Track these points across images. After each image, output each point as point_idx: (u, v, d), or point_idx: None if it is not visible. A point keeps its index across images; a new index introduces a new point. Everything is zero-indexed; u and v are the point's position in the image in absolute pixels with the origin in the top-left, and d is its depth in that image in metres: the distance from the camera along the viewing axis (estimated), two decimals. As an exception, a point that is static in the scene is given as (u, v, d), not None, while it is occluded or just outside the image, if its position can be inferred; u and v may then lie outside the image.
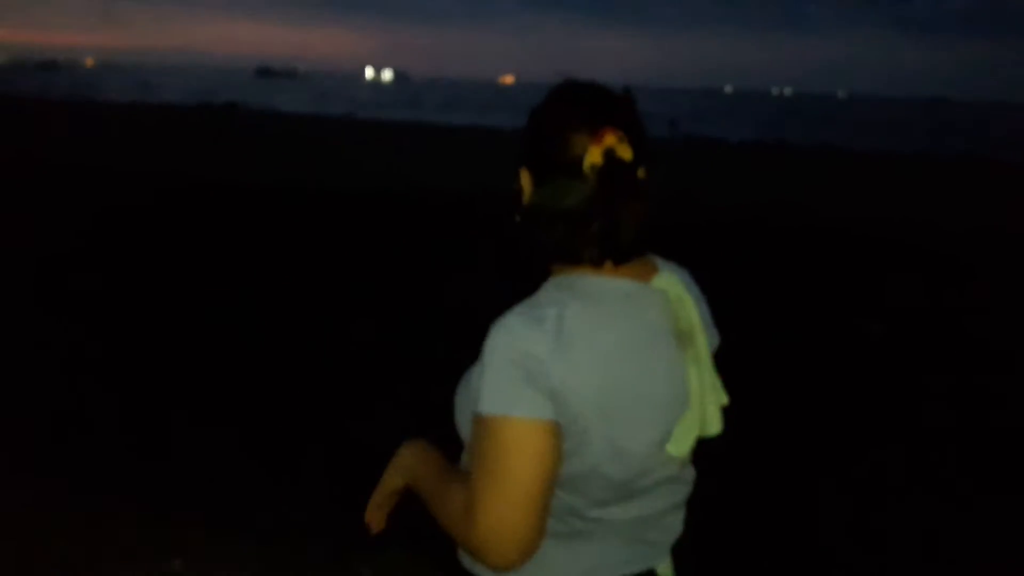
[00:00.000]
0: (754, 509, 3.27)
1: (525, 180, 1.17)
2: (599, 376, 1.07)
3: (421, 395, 3.96)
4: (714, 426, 1.17)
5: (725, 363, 1.24)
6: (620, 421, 1.09)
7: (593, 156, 1.09)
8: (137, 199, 9.57)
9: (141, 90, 56.78)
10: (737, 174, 16.27)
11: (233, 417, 3.92)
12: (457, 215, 9.33)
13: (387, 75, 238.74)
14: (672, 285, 1.15)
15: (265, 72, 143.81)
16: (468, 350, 1.22)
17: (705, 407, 1.16)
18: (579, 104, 1.14)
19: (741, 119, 54.75)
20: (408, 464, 1.28)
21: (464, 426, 1.19)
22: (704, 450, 1.20)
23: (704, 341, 1.17)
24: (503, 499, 1.03)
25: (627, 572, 1.19)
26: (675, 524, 1.25)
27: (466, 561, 1.23)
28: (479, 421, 1.06)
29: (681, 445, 1.15)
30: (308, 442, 3.69)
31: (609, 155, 1.09)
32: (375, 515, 1.35)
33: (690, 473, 1.23)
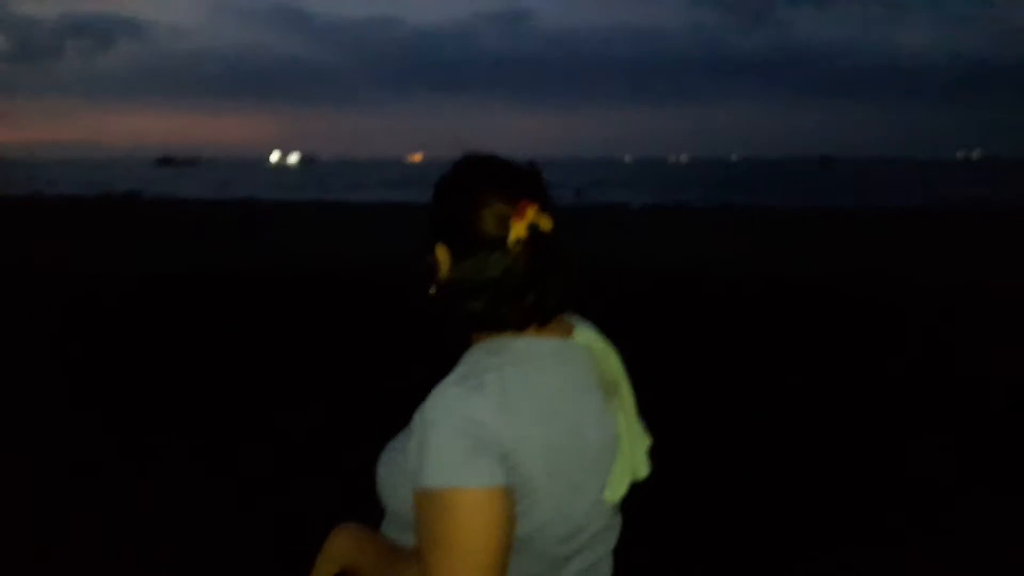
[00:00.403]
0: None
1: (442, 254, 1.18)
2: (544, 435, 1.08)
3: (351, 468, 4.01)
4: (643, 469, 1.24)
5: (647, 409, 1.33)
6: (563, 477, 1.11)
7: (517, 231, 1.12)
8: (39, 296, 9.31)
9: (37, 183, 54.95)
10: (639, 236, 16.94)
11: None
12: (362, 288, 9.41)
13: (293, 158, 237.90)
14: (594, 340, 1.22)
15: (166, 161, 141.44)
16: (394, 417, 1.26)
17: (634, 452, 1.22)
18: (492, 179, 1.16)
19: (641, 185, 56.80)
20: (343, 550, 1.26)
21: (392, 498, 1.20)
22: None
23: (628, 389, 1.24)
24: (457, 571, 1.01)
25: None
26: (607, 571, 1.27)
27: None
28: (426, 496, 1.03)
29: (616, 491, 1.20)
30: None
31: (533, 229, 1.12)
32: None
33: (619, 520, 1.26)
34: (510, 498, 1.05)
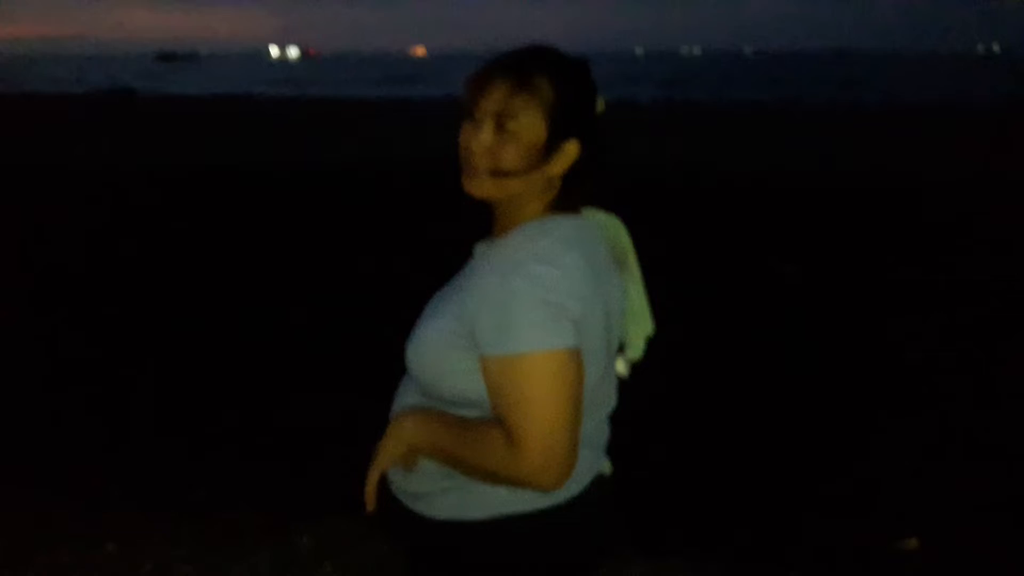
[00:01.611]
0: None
1: (571, 147, 1.24)
2: (600, 304, 1.24)
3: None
4: (650, 328, 1.43)
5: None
6: (608, 340, 1.29)
7: (600, 108, 1.29)
8: (43, 193, 9.23)
9: (34, 80, 53.91)
10: (648, 132, 16.60)
11: (163, 401, 3.92)
12: (366, 187, 9.29)
13: (293, 52, 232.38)
14: (602, 216, 1.38)
15: (166, 57, 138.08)
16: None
17: (644, 316, 1.41)
18: (587, 68, 1.27)
19: (651, 80, 55.40)
20: (413, 428, 1.28)
21: (433, 370, 1.25)
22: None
23: (635, 260, 1.39)
24: (551, 425, 1.14)
25: (590, 476, 1.34)
26: (608, 428, 1.42)
27: (401, 487, 1.33)
28: (510, 360, 1.14)
29: (636, 350, 1.40)
30: (236, 421, 3.73)
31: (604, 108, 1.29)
32: (370, 494, 1.33)
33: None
34: (581, 358, 1.18)
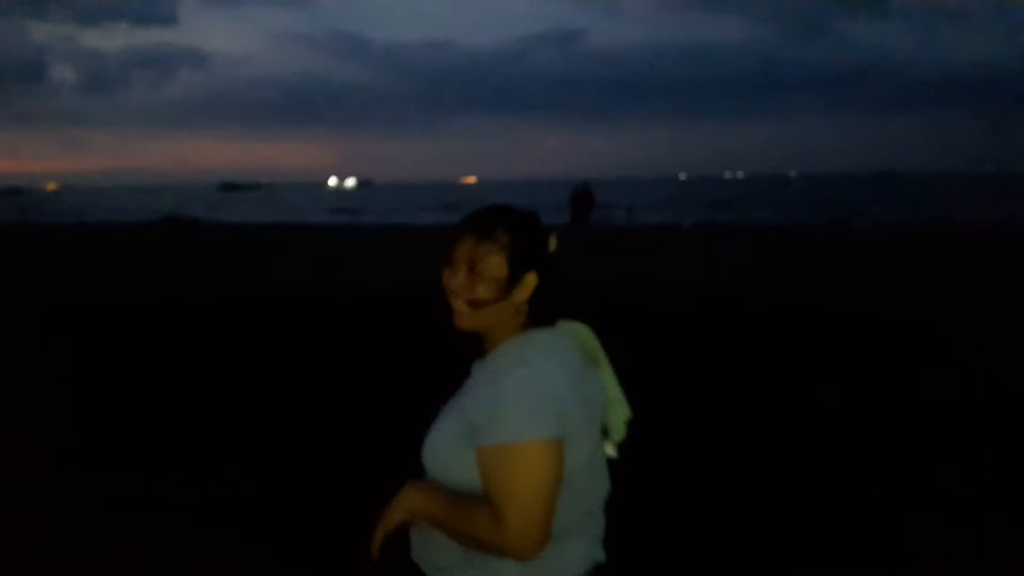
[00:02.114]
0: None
1: (531, 279, 1.53)
2: (577, 396, 1.47)
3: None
4: (627, 414, 1.66)
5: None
6: (589, 426, 1.51)
7: (552, 246, 1.58)
8: (107, 312, 9.62)
9: (105, 210, 56.95)
10: (687, 255, 16.75)
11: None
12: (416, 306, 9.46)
13: (350, 183, 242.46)
14: (574, 325, 1.63)
15: (229, 187, 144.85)
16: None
17: (621, 406, 1.64)
18: (536, 218, 1.58)
19: (694, 203, 56.25)
20: (416, 499, 1.51)
21: (444, 466, 1.50)
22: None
23: (605, 358, 1.64)
24: (528, 504, 1.35)
25: (587, 565, 1.53)
26: (602, 518, 1.61)
27: (424, 558, 1.56)
28: (497, 450, 1.37)
29: (619, 433, 1.64)
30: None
31: (557, 245, 1.59)
32: (378, 546, 1.55)
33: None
34: (562, 448, 1.40)
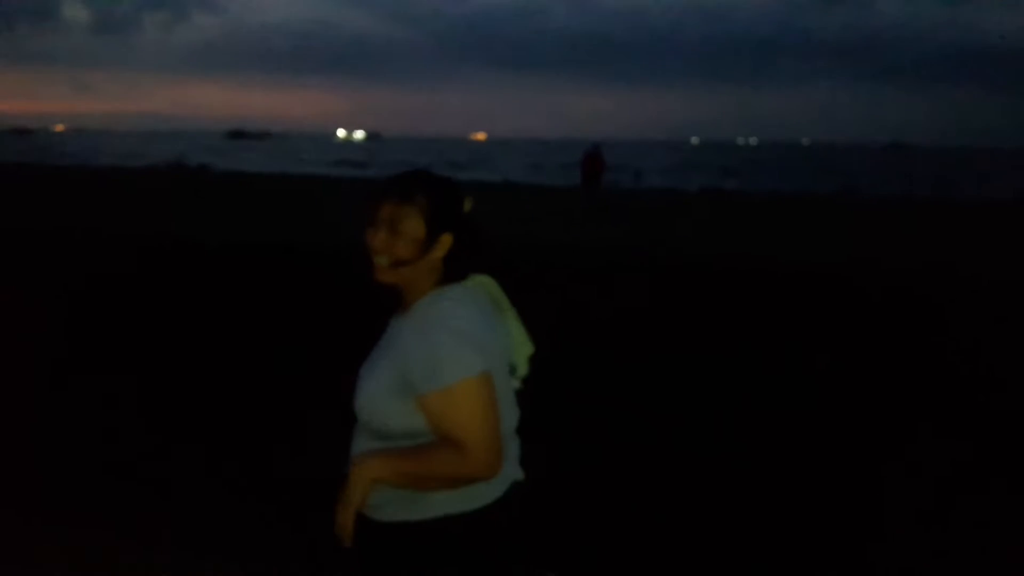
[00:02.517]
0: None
1: (446, 239, 1.68)
2: (493, 336, 1.67)
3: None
4: (530, 349, 1.84)
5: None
6: (501, 365, 1.70)
7: (468, 207, 1.74)
8: (117, 261, 9.73)
9: (111, 155, 56.81)
10: (690, 221, 16.75)
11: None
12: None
13: (359, 135, 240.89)
14: (480, 278, 1.78)
15: (237, 134, 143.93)
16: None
17: (525, 343, 1.83)
18: (452, 182, 1.74)
19: (704, 169, 55.90)
20: (374, 467, 1.61)
21: (378, 413, 1.63)
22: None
23: (509, 305, 1.81)
24: (485, 432, 1.56)
25: (508, 482, 1.72)
26: (518, 441, 1.80)
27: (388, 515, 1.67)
28: (444, 392, 1.55)
29: (523, 368, 1.82)
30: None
31: (473, 207, 1.75)
32: (348, 530, 1.65)
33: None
34: (492, 379, 1.60)
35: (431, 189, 1.68)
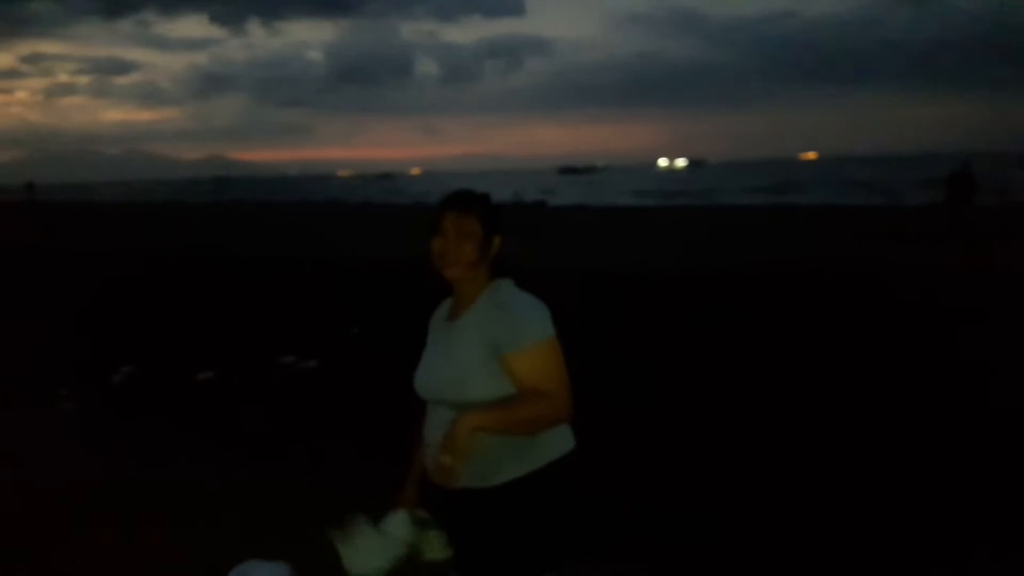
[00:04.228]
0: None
1: (497, 240, 2.05)
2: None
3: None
4: None
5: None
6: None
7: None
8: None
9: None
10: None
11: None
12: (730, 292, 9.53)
13: (680, 163, 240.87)
14: (505, 279, 2.11)
15: (567, 170, 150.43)
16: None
17: None
18: (490, 199, 2.12)
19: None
20: (475, 419, 1.83)
21: (465, 390, 1.93)
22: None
23: None
24: (564, 380, 1.92)
25: (572, 444, 2.06)
26: None
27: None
28: (536, 346, 1.91)
29: None
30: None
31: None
32: (457, 471, 1.84)
33: None
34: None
35: (480, 201, 2.07)
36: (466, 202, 2.05)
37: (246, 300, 10.77)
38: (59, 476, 4.50)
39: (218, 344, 7.83)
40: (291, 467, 4.58)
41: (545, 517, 1.94)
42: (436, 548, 2.02)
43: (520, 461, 1.93)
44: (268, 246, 18.78)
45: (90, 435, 5.26)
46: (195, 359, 7.09)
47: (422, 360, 2.14)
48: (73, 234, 24.52)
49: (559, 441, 1.99)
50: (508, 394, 1.92)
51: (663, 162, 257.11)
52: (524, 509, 1.93)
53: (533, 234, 17.31)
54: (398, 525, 2.02)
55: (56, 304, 10.90)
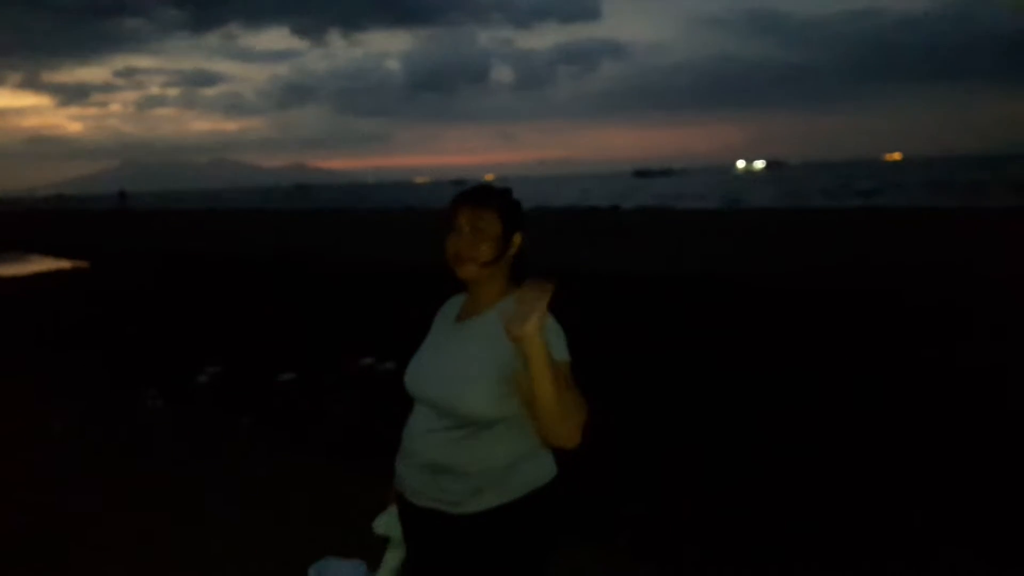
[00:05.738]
0: None
1: (518, 238, 1.88)
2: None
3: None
4: None
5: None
6: None
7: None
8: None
9: (537, 198, 62.74)
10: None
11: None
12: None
13: (759, 164, 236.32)
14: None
15: (642, 174, 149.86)
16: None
17: None
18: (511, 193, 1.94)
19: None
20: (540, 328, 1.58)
21: (479, 402, 1.76)
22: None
23: None
24: (586, 410, 1.66)
25: (556, 471, 1.91)
26: None
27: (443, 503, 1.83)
28: (563, 364, 1.69)
29: None
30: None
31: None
32: (539, 325, 1.58)
33: None
34: None
35: (500, 195, 1.89)
36: (483, 196, 1.87)
37: (328, 303, 11.05)
38: (151, 468, 4.73)
39: (299, 346, 8.01)
40: (368, 465, 4.62)
41: (518, 552, 1.80)
42: None
43: (501, 488, 1.79)
44: (348, 250, 19.15)
45: (179, 431, 5.44)
46: (277, 360, 7.27)
47: (418, 355, 1.98)
48: (162, 238, 25.47)
49: (541, 470, 1.84)
50: (510, 415, 1.78)
51: (741, 164, 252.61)
52: (498, 542, 1.79)
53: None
54: (390, 525, 1.99)
55: (151, 305, 11.37)
